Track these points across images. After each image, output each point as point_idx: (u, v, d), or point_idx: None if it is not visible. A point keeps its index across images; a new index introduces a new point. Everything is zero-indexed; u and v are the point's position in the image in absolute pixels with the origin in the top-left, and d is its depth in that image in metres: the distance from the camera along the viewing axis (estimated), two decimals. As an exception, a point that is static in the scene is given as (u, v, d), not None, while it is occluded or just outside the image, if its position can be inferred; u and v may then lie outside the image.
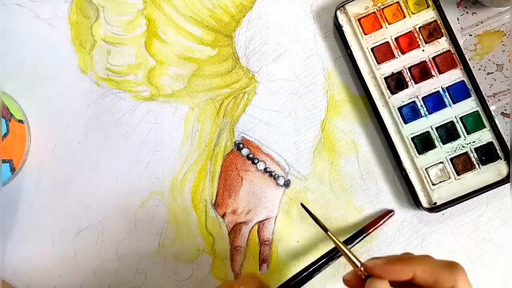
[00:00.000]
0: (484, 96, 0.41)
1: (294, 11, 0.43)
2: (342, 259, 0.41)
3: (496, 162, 0.41)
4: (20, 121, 0.43)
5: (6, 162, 0.41)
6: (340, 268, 0.42)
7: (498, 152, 0.41)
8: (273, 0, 0.44)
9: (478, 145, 0.41)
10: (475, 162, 0.41)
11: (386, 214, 0.42)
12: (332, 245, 0.40)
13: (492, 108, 0.41)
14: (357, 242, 0.41)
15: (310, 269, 0.40)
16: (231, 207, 0.43)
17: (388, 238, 0.42)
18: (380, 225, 0.41)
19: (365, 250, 0.42)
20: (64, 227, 0.43)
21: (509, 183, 0.40)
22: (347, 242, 0.40)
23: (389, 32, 0.42)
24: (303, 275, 0.40)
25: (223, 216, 0.43)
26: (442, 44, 0.41)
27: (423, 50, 0.41)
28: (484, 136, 0.41)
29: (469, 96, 0.41)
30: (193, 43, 0.44)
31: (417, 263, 0.27)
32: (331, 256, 0.40)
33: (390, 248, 0.42)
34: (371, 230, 0.41)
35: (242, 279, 0.38)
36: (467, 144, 0.41)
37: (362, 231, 0.41)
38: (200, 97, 0.44)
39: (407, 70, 0.41)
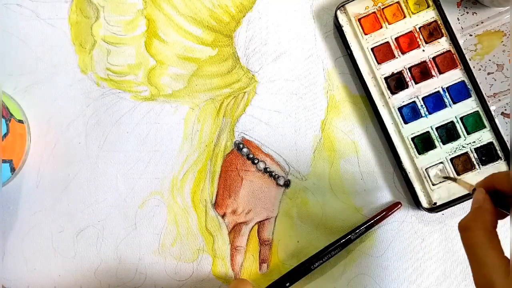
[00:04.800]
0: (484, 96, 0.41)
1: (294, 11, 0.43)
2: (334, 259, 0.42)
3: (496, 162, 0.41)
4: (20, 121, 0.43)
5: (6, 162, 0.41)
6: (327, 266, 0.42)
7: (498, 152, 0.41)
8: (273, 0, 0.44)
9: (478, 145, 0.41)
10: (475, 162, 0.41)
11: (394, 206, 0.42)
12: (324, 245, 0.41)
13: (492, 108, 0.41)
14: (363, 233, 0.41)
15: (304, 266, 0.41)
16: (231, 207, 0.43)
17: (388, 238, 0.42)
18: (387, 216, 0.41)
19: (365, 250, 0.42)
20: (64, 227, 0.43)
21: (509, 183, 0.40)
22: (352, 233, 0.41)
23: (389, 32, 0.42)
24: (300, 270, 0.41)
25: (223, 216, 0.43)
26: (442, 44, 0.41)
27: (423, 50, 0.41)
28: (484, 136, 0.41)
29: (469, 96, 0.41)
30: (193, 43, 0.44)
31: (495, 174, 0.30)
32: (324, 254, 0.40)
33: (390, 248, 0.42)
34: (376, 219, 0.41)
35: (234, 283, 0.38)
36: (467, 144, 0.41)
37: (368, 222, 0.41)
38: (200, 97, 0.44)
39: (407, 70, 0.41)
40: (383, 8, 0.42)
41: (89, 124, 0.44)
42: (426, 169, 0.41)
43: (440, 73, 0.41)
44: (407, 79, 0.41)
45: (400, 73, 0.41)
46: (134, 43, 0.44)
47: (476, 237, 0.27)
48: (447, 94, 0.41)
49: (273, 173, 0.43)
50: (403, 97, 0.41)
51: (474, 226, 0.28)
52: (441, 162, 0.41)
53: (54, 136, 0.44)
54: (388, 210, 0.41)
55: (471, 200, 0.40)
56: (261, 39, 0.43)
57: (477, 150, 0.41)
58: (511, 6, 0.41)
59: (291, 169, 0.43)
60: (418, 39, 0.41)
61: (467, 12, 0.42)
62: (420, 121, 0.41)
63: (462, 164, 0.41)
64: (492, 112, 0.41)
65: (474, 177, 0.41)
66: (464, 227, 0.29)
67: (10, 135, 0.41)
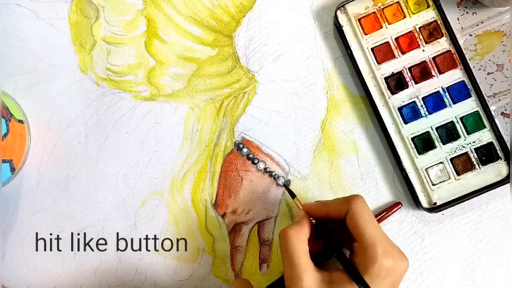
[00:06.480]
0: (484, 96, 0.41)
1: (294, 11, 0.43)
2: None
3: (496, 162, 0.41)
4: (20, 121, 0.43)
5: (6, 162, 0.41)
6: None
7: (498, 152, 0.41)
8: (273, 0, 0.44)
9: (478, 145, 0.41)
10: (475, 162, 0.41)
11: (394, 206, 0.42)
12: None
13: (492, 108, 0.41)
14: None
15: None
16: (231, 207, 0.43)
17: (388, 238, 0.42)
18: (387, 216, 0.41)
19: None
20: (64, 227, 0.43)
21: (509, 183, 0.40)
22: None
23: (389, 32, 0.42)
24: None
25: (223, 216, 0.43)
26: (442, 44, 0.41)
27: (423, 50, 0.41)
28: (484, 136, 0.41)
29: (469, 96, 0.41)
30: (193, 43, 0.44)
31: (330, 203, 0.37)
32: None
33: (390, 248, 0.42)
34: (376, 219, 0.41)
35: (234, 283, 0.38)
36: (467, 144, 0.41)
37: None
38: (200, 97, 0.44)
39: (407, 70, 0.41)
40: (383, 8, 0.42)
41: (89, 124, 0.44)
42: (426, 169, 0.41)
43: (440, 73, 0.41)
44: (407, 79, 0.41)
45: (400, 73, 0.41)
46: (134, 43, 0.44)
47: (293, 245, 0.34)
48: (447, 94, 0.41)
49: (273, 173, 0.43)
50: (403, 97, 0.41)
51: (293, 235, 0.35)
52: (441, 162, 0.41)
53: (54, 136, 0.44)
54: (388, 210, 0.41)
55: (471, 200, 0.41)
56: (261, 39, 0.43)
57: (477, 150, 0.41)
58: (511, 6, 0.41)
59: (291, 169, 0.43)
60: (418, 39, 0.41)
61: (467, 12, 0.42)
62: (420, 121, 0.41)
63: (462, 164, 0.41)
64: (492, 112, 0.41)
65: (474, 177, 0.41)
66: (284, 235, 0.35)
67: (10, 135, 0.41)
